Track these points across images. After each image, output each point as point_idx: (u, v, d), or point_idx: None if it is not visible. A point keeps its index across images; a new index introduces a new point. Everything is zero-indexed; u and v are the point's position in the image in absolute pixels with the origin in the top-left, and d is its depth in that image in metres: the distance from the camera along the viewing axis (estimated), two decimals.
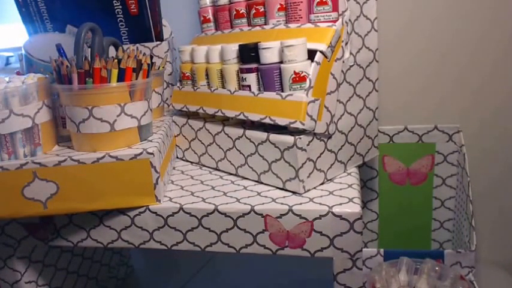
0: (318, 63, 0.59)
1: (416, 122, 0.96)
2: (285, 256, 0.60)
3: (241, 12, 0.71)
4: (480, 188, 0.98)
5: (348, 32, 0.63)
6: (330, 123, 0.62)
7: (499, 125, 0.96)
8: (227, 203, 0.60)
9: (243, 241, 0.60)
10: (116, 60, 0.60)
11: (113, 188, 0.60)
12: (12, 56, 1.19)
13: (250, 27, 0.70)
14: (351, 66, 0.65)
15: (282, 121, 0.60)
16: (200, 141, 0.75)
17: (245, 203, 0.59)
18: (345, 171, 0.69)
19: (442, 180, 0.97)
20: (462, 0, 0.91)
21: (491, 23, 0.91)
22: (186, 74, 0.76)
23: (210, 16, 0.77)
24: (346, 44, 0.63)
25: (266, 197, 0.61)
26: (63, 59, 0.61)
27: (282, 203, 0.59)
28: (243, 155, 0.67)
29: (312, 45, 0.60)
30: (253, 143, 0.65)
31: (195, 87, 0.74)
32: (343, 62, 0.63)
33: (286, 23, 0.66)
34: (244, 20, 0.71)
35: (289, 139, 0.59)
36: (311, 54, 0.60)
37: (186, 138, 0.77)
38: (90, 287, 0.92)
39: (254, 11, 0.69)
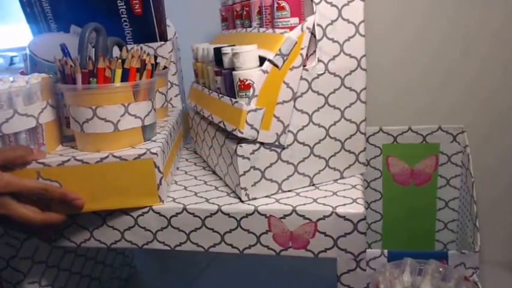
0: (264, 72, 0.56)
1: (420, 123, 0.96)
2: (289, 257, 0.60)
3: (239, 13, 0.70)
4: (484, 189, 0.97)
5: (316, 38, 0.59)
6: (281, 134, 0.60)
7: (503, 125, 0.96)
8: (230, 204, 0.60)
9: (247, 242, 0.60)
10: (119, 60, 0.60)
11: (116, 188, 0.60)
12: (16, 56, 1.19)
13: (242, 29, 0.70)
14: (319, 74, 0.60)
15: (229, 127, 0.60)
16: (206, 143, 0.75)
17: (248, 204, 0.59)
18: (312, 185, 0.64)
19: (446, 180, 0.97)
20: (473, 4, 0.91)
21: (499, 24, 0.91)
22: (196, 72, 0.77)
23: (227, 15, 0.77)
24: (314, 51, 0.60)
25: (269, 197, 0.61)
26: (67, 59, 0.61)
27: (285, 204, 0.58)
28: (216, 155, 0.68)
29: (262, 53, 0.57)
30: (219, 144, 0.65)
31: (197, 85, 0.75)
32: (307, 70, 0.59)
33: (260, 27, 0.64)
34: (240, 21, 0.71)
35: (232, 145, 0.59)
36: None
37: (197, 134, 0.79)
38: (93, 287, 0.92)
39: (244, 12, 0.68)
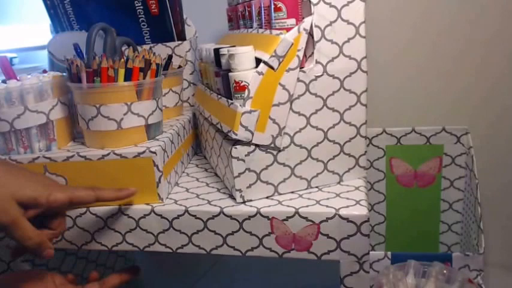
0: (259, 73, 0.56)
1: (424, 124, 0.95)
2: (291, 259, 0.59)
3: (242, 13, 0.70)
4: (488, 191, 0.97)
5: (314, 40, 0.58)
6: (277, 136, 0.59)
7: (507, 126, 0.95)
8: (233, 206, 0.59)
9: (249, 244, 0.59)
10: (122, 60, 0.61)
11: (117, 184, 0.61)
12: (16, 57, 1.19)
13: (245, 30, 0.69)
14: (317, 76, 0.59)
15: (225, 128, 0.60)
16: (208, 144, 0.74)
17: (251, 206, 0.59)
18: (309, 188, 0.63)
19: (450, 182, 0.96)
20: (473, 3, 0.91)
21: (501, 25, 0.91)
22: (201, 72, 0.77)
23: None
24: (312, 53, 0.59)
25: (272, 199, 0.61)
26: (73, 58, 0.62)
27: (288, 205, 0.58)
28: (216, 156, 0.68)
29: (259, 54, 0.57)
30: (218, 146, 0.65)
31: (201, 86, 0.74)
32: (304, 72, 0.58)
33: (260, 27, 0.63)
34: (243, 22, 0.70)
35: (228, 147, 0.59)
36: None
37: (202, 135, 0.78)
38: None
39: (247, 13, 0.67)
